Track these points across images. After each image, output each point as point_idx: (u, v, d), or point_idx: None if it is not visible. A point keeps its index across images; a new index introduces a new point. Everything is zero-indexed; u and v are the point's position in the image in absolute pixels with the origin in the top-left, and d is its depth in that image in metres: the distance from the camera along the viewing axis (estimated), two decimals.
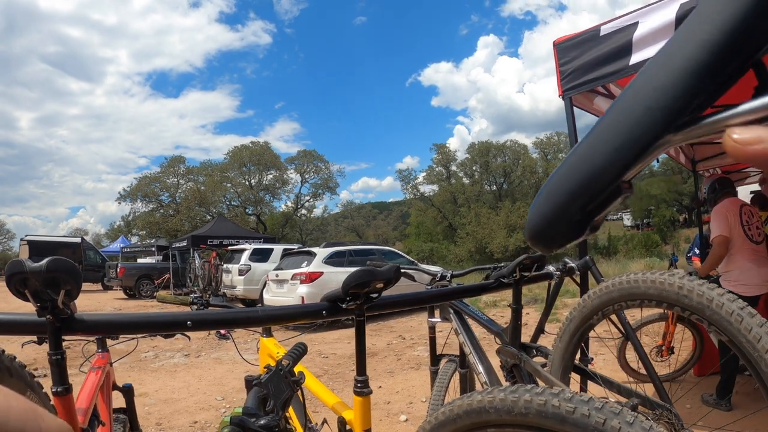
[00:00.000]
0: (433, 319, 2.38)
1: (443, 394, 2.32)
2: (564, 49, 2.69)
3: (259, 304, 11.81)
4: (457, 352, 2.59)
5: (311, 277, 9.17)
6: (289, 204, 37.46)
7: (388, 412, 4.08)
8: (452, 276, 2.41)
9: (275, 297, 9.64)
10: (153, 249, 20.39)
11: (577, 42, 2.64)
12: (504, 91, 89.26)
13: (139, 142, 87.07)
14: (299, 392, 1.13)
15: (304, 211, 38.15)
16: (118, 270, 16.40)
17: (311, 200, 38.00)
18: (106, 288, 19.37)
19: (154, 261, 18.85)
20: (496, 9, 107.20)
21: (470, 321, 2.09)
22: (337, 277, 9.37)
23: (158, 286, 16.63)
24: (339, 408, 1.31)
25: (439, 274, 2.37)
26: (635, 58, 2.38)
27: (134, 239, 32.66)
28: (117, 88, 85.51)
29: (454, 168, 36.36)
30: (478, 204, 32.38)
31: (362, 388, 1.17)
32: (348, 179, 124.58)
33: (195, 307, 1.89)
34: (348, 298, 1.17)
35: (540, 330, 2.18)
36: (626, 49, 2.40)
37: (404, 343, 7.18)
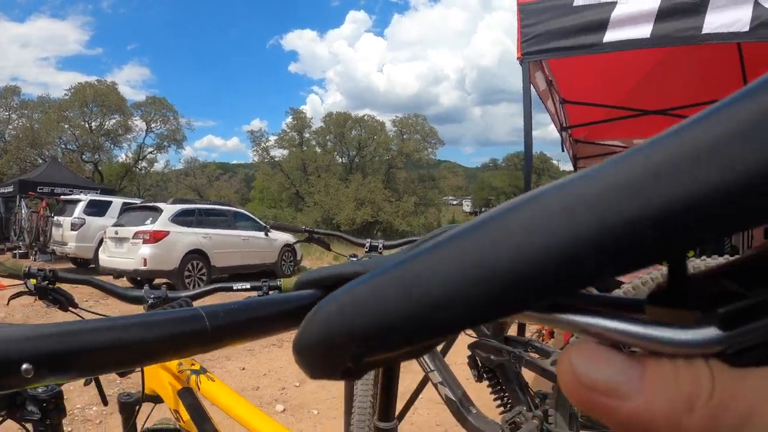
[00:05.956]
0: None
1: (369, 403, 1.94)
2: (529, 11, 2.43)
3: (92, 265, 10.07)
4: None
5: (156, 237, 7.90)
6: (130, 155, 32.51)
7: (260, 401, 3.54)
8: (384, 247, 2.05)
9: (113, 258, 8.28)
10: None
11: (545, 7, 2.40)
12: (364, 68, 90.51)
13: None
14: None
15: (144, 164, 33.47)
16: None
17: (155, 152, 33.48)
18: None
19: None
20: None
21: None
22: (185, 237, 8.28)
23: None
24: None
25: (368, 244, 2.03)
26: (609, 36, 2.23)
27: None
28: None
29: (307, 135, 35.44)
30: (328, 174, 32.11)
31: None
32: (193, 136, 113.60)
33: (36, 281, 1.11)
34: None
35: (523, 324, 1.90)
36: (602, 26, 2.23)
37: None
